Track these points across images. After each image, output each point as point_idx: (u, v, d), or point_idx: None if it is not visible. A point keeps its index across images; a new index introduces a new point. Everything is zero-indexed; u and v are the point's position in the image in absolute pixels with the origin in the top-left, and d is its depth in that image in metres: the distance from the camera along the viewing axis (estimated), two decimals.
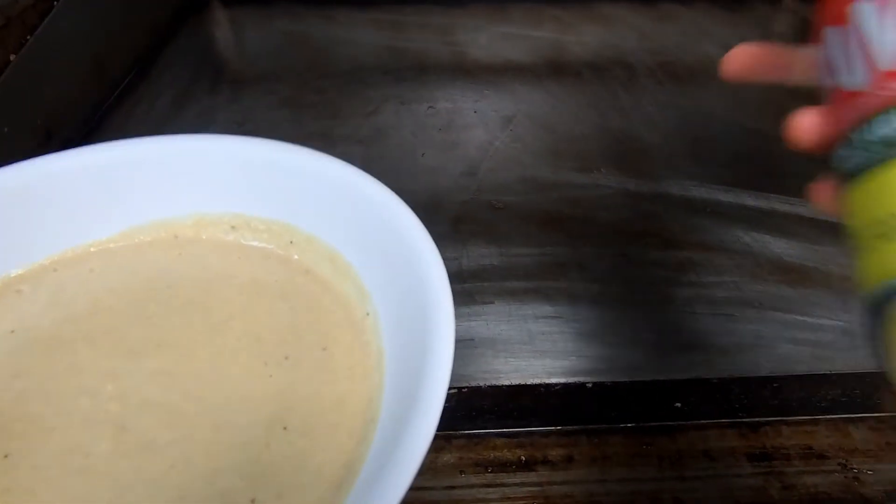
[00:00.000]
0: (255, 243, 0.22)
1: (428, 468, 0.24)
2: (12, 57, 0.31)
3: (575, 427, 0.25)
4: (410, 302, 0.17)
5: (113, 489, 0.16)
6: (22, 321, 0.20)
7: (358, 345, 0.19)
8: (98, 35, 0.41)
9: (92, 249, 0.21)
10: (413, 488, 0.23)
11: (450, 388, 0.24)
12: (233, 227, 0.22)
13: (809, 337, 0.26)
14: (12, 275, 0.20)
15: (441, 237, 0.31)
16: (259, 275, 0.21)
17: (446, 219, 0.32)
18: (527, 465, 0.24)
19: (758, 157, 0.39)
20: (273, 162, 0.21)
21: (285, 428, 0.17)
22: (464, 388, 0.24)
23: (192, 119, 0.40)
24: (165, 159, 0.22)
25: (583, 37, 0.52)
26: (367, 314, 0.19)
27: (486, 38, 0.52)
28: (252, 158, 0.21)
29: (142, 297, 0.20)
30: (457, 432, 0.25)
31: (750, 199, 0.34)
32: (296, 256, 0.21)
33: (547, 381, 0.24)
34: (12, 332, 0.19)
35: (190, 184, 0.22)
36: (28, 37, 0.33)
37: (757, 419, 0.25)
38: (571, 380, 0.24)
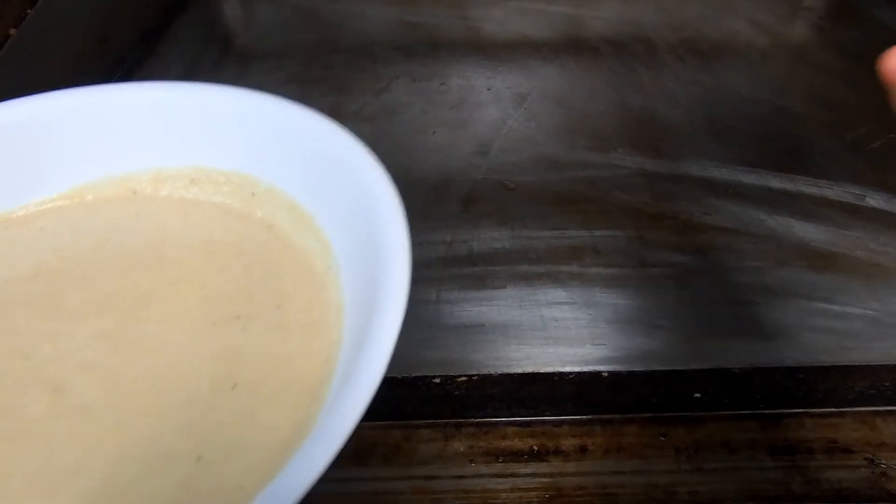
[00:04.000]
0: (215, 198, 0.21)
1: (436, 456, 0.23)
2: (12, 31, 0.31)
3: (588, 416, 0.24)
4: (368, 250, 0.17)
5: (45, 453, 0.15)
6: None
7: (317, 301, 0.18)
8: (102, 9, 0.40)
9: (45, 206, 0.21)
10: (421, 477, 0.23)
11: (459, 375, 0.23)
12: (192, 181, 0.21)
13: (836, 325, 0.25)
14: None
15: (451, 218, 0.31)
16: (216, 234, 0.20)
17: (457, 199, 0.31)
18: (538, 456, 0.23)
19: (783, 137, 0.37)
20: (232, 109, 0.20)
21: (234, 387, 0.16)
22: (474, 375, 0.23)
23: None
24: (123, 110, 0.21)
25: (601, 11, 0.50)
26: (329, 267, 0.19)
27: (501, 13, 0.50)
28: (211, 106, 0.20)
29: (88, 258, 0.20)
30: (466, 420, 0.24)
31: (774, 181, 0.33)
32: (258, 212, 0.20)
33: (561, 369, 0.23)
34: None
35: (146, 136, 0.21)
36: (28, 10, 0.32)
37: (779, 411, 0.24)
38: (586, 368, 0.23)
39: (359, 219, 0.17)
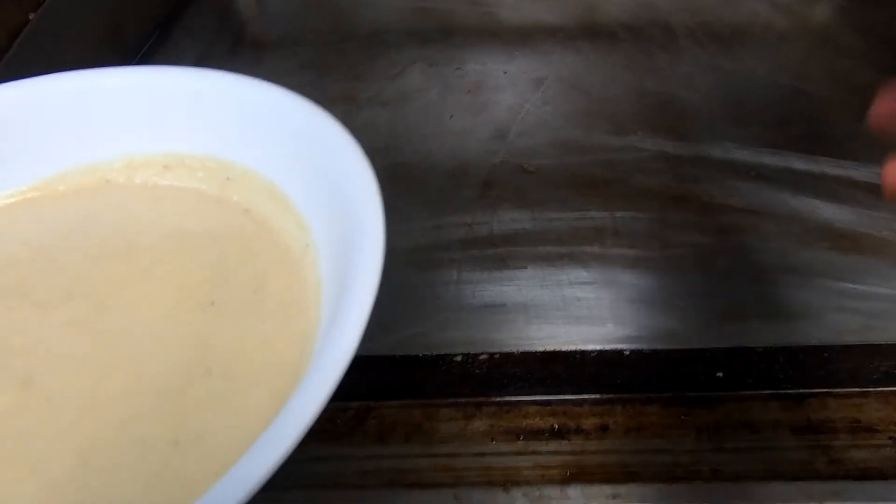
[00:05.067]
0: (190, 184, 0.20)
1: (458, 435, 0.23)
2: (31, 15, 0.31)
3: (609, 396, 0.24)
4: (344, 227, 0.17)
5: (15, 442, 0.15)
6: None
7: (295, 281, 0.18)
8: None
9: (12, 200, 0.20)
10: (443, 455, 0.23)
11: (480, 353, 0.23)
12: (166, 167, 0.21)
13: (860, 306, 0.24)
14: None
15: (470, 201, 0.31)
16: (190, 220, 0.20)
17: (476, 183, 0.31)
18: (560, 434, 0.23)
19: (805, 120, 0.36)
20: (203, 92, 0.20)
21: (209, 372, 0.16)
22: (495, 353, 0.23)
23: None
24: (92, 96, 0.20)
25: None
26: (307, 245, 0.18)
27: None
28: (182, 90, 0.20)
29: (59, 248, 0.19)
30: (487, 399, 0.24)
31: (797, 163, 0.32)
32: (234, 196, 0.20)
33: (583, 347, 0.23)
34: None
35: (120, 123, 0.20)
36: None
37: (802, 391, 0.23)
38: (608, 347, 0.23)
39: (335, 197, 0.17)
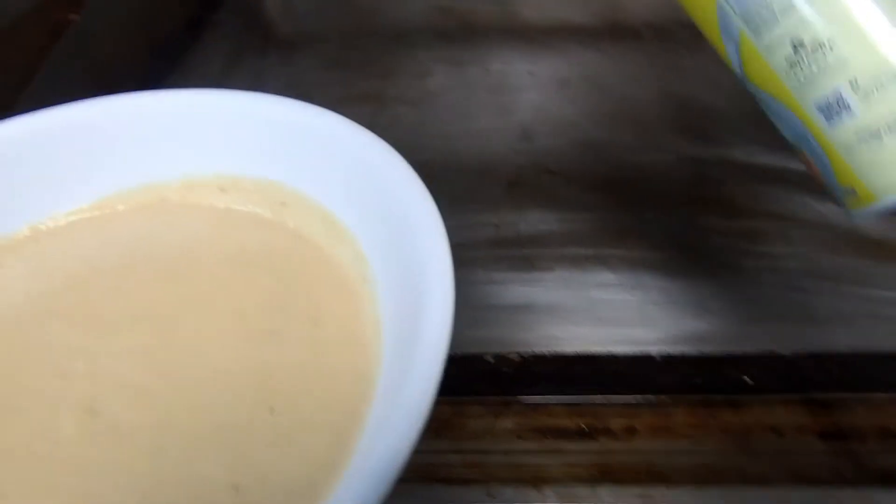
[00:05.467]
0: (245, 207, 0.20)
1: (487, 432, 0.23)
2: (73, 16, 0.32)
3: (637, 397, 0.24)
4: (408, 264, 0.16)
5: (79, 477, 0.15)
6: (0, 296, 0.18)
7: (353, 314, 0.17)
8: None
9: (75, 218, 0.20)
10: (472, 451, 0.23)
11: (508, 353, 0.24)
12: (221, 189, 0.20)
13: (891, 312, 0.24)
14: None
15: (496, 201, 0.31)
16: (248, 244, 0.20)
17: (501, 183, 0.31)
18: (587, 435, 0.23)
19: None
20: (262, 117, 0.20)
21: (271, 409, 0.16)
22: (525, 354, 0.23)
23: (242, 82, 0.40)
24: (150, 118, 0.20)
25: None
26: (365, 280, 0.18)
27: None
28: (240, 114, 0.20)
29: (121, 268, 0.19)
30: (515, 398, 0.24)
31: None
32: (289, 222, 0.20)
33: (611, 349, 0.23)
34: None
35: (177, 143, 0.20)
36: None
37: (830, 396, 0.23)
38: (637, 350, 0.23)
39: (395, 231, 0.17)
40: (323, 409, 0.16)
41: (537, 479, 0.22)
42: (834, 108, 0.16)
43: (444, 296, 0.15)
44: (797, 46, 0.16)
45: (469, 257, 0.27)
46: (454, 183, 0.32)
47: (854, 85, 0.15)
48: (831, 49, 0.15)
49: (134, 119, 0.20)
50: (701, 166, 0.32)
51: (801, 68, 0.16)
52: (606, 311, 0.24)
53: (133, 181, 0.21)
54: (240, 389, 0.16)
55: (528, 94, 0.38)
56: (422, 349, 0.14)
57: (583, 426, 0.23)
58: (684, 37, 0.44)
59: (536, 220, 0.29)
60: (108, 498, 0.14)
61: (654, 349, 0.23)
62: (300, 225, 0.20)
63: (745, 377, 0.24)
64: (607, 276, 0.26)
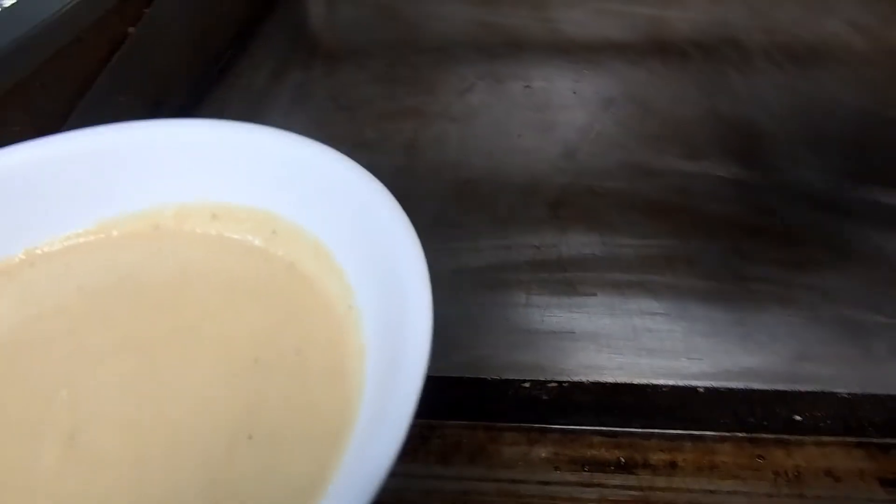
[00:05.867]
0: (237, 236, 0.20)
1: (521, 460, 0.23)
2: (130, 29, 0.33)
3: (679, 431, 0.23)
4: (389, 294, 0.16)
5: None
6: None
7: (338, 343, 0.18)
8: (203, 8, 0.42)
9: (70, 242, 0.20)
10: (506, 480, 0.23)
11: (549, 381, 0.23)
12: (214, 216, 0.21)
13: None
14: None
15: (539, 222, 0.31)
16: (237, 272, 0.20)
17: (544, 203, 0.31)
18: (626, 468, 0.22)
19: (890, 149, 0.35)
20: (252, 147, 0.20)
21: (250, 437, 0.16)
22: (565, 381, 0.23)
23: (287, 93, 0.41)
24: (147, 147, 0.21)
25: (689, 12, 0.48)
26: (350, 308, 0.18)
27: (582, 14, 0.49)
28: (231, 144, 0.20)
29: (111, 296, 0.19)
30: (551, 426, 0.24)
31: (882, 196, 0.31)
32: (279, 251, 0.20)
33: (654, 381, 0.22)
34: None
35: (170, 172, 0.21)
36: (145, 10, 0.34)
37: (890, 440, 0.22)
38: (681, 382, 0.22)
39: (379, 261, 0.17)
40: (304, 439, 0.16)
41: None
42: None
43: (422, 326, 0.15)
44: None
45: (509, 280, 0.27)
46: (496, 202, 0.31)
47: None
48: None
49: (132, 148, 0.21)
50: (751, 191, 0.31)
51: None
52: (650, 341, 0.24)
53: (129, 208, 0.21)
54: (221, 420, 0.16)
55: (571, 112, 0.38)
56: (400, 381, 0.14)
57: (621, 458, 0.23)
58: (733, 56, 0.43)
59: (579, 243, 0.28)
60: None
61: (698, 382, 0.22)
62: (290, 253, 0.20)
63: (796, 416, 0.23)
64: (651, 304, 0.25)
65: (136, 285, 0.20)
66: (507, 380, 0.23)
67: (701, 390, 0.22)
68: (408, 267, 0.16)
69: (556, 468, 0.23)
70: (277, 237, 0.20)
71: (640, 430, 0.23)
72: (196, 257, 0.20)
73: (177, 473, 0.15)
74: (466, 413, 0.24)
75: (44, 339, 0.18)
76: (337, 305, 0.18)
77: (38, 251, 0.20)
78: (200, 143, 0.21)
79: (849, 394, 0.22)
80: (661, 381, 0.22)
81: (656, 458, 0.23)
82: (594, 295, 0.26)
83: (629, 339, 0.24)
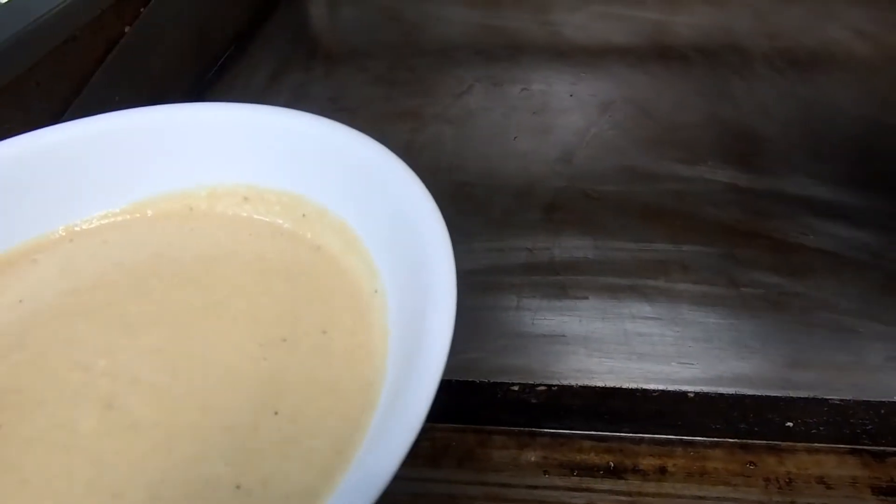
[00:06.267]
0: (267, 217, 0.21)
1: (510, 464, 0.23)
2: (127, 28, 0.33)
3: (669, 436, 0.23)
4: (415, 278, 0.17)
5: (95, 468, 0.15)
6: (31, 291, 0.19)
7: (362, 326, 0.18)
8: (202, 8, 0.42)
9: (107, 221, 0.21)
10: (495, 484, 0.23)
11: (538, 384, 0.23)
12: (245, 199, 0.21)
13: None
14: (30, 243, 0.20)
15: (533, 225, 0.30)
16: (267, 252, 0.20)
17: (539, 206, 0.31)
18: (615, 472, 0.22)
19: (890, 156, 0.35)
20: (285, 130, 0.20)
21: (276, 413, 0.16)
22: (554, 385, 0.22)
23: (286, 94, 0.41)
24: (179, 129, 0.21)
25: (691, 17, 0.48)
26: (376, 291, 0.18)
27: (584, 18, 0.49)
28: (264, 127, 0.21)
29: (146, 271, 0.20)
30: (541, 430, 0.24)
31: (879, 202, 0.31)
32: (308, 234, 0.20)
33: (644, 386, 0.22)
34: (20, 301, 0.19)
35: (204, 153, 0.21)
36: (142, 9, 0.34)
37: (884, 448, 0.22)
38: (671, 387, 0.22)
39: (406, 246, 0.17)
40: (327, 416, 0.16)
41: None
42: None
43: (446, 314, 0.15)
44: None
45: (501, 282, 0.26)
46: (491, 204, 0.31)
47: None
48: None
49: (168, 129, 0.21)
50: (748, 197, 0.31)
51: None
52: (641, 345, 0.24)
53: (163, 188, 0.22)
54: (248, 392, 0.17)
55: (569, 115, 0.38)
56: (422, 362, 0.14)
57: (611, 463, 0.23)
58: (733, 61, 0.43)
59: (572, 247, 0.28)
60: (121, 489, 0.15)
61: (690, 388, 0.22)
62: (317, 236, 0.21)
63: (788, 423, 0.22)
64: (644, 309, 0.25)
65: (170, 262, 0.20)
66: (496, 383, 0.23)
67: (692, 395, 0.22)
68: (434, 253, 0.16)
69: (546, 472, 0.22)
70: (306, 220, 0.21)
71: (630, 434, 0.23)
72: (227, 237, 0.21)
73: (205, 440, 0.16)
74: (456, 416, 0.24)
75: (85, 310, 0.19)
76: (363, 288, 0.19)
77: (77, 228, 0.21)
78: (235, 125, 0.21)
79: (841, 400, 0.22)
80: (652, 386, 0.22)
81: (646, 463, 0.23)
82: (586, 298, 0.25)
83: (620, 343, 0.24)
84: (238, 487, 0.15)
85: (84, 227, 0.21)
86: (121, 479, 0.15)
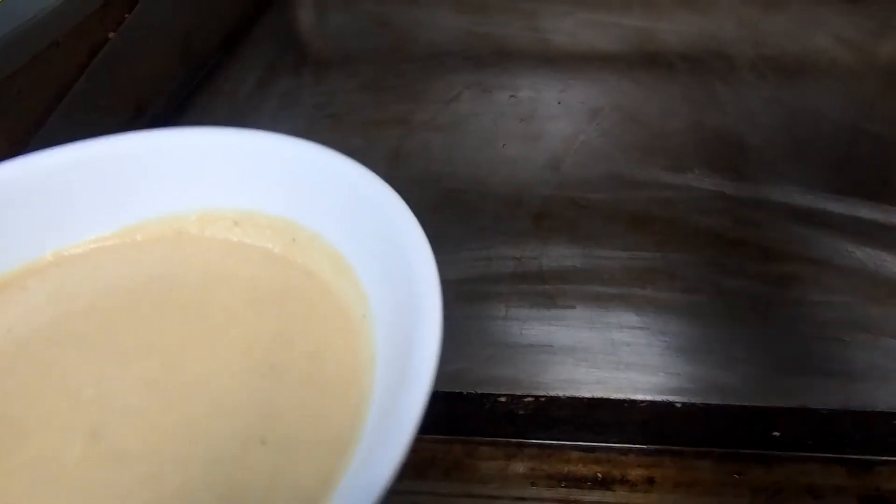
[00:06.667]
0: (257, 242, 0.21)
1: (497, 476, 0.23)
2: (111, 34, 0.32)
3: (657, 447, 0.23)
4: (402, 305, 0.17)
5: (80, 500, 0.15)
6: (21, 319, 0.19)
7: (352, 351, 0.18)
8: (188, 13, 0.42)
9: (96, 245, 0.21)
10: (482, 496, 0.22)
11: (526, 395, 0.23)
12: (236, 223, 0.21)
13: None
14: (19, 270, 0.20)
15: (521, 233, 0.30)
16: (258, 278, 0.20)
17: (527, 214, 0.31)
18: (603, 484, 0.22)
19: (873, 165, 0.35)
20: (276, 155, 0.21)
21: (263, 443, 0.16)
22: (541, 396, 0.22)
23: (275, 100, 0.41)
24: (170, 153, 0.21)
25: (677, 24, 0.49)
26: (364, 316, 0.18)
27: (572, 25, 0.49)
28: (255, 151, 0.21)
29: (139, 297, 0.20)
30: (529, 441, 0.23)
31: (864, 211, 0.31)
32: (298, 258, 0.20)
33: (632, 396, 0.22)
34: (9, 330, 0.19)
35: (195, 178, 0.21)
36: (126, 15, 0.34)
37: (870, 457, 0.22)
38: (658, 398, 0.22)
39: (394, 271, 0.17)
40: (315, 445, 0.16)
41: None
42: None
43: (432, 338, 0.15)
44: None
45: (489, 292, 0.26)
46: (480, 212, 0.31)
47: None
48: None
49: (158, 154, 0.21)
50: (735, 205, 0.31)
51: None
52: (629, 356, 0.24)
53: (153, 212, 0.22)
54: (237, 422, 0.17)
55: (557, 122, 0.38)
56: (408, 389, 0.14)
57: (599, 474, 0.22)
58: (720, 69, 0.43)
59: (560, 255, 0.28)
60: None
61: (677, 398, 0.22)
62: (309, 261, 0.20)
63: (775, 432, 0.22)
64: (632, 318, 0.25)
65: (160, 288, 0.20)
66: (483, 394, 0.22)
67: (679, 406, 0.22)
68: (421, 279, 0.16)
69: (533, 484, 0.22)
70: (297, 245, 0.21)
71: (618, 445, 0.23)
72: (217, 262, 0.21)
73: (192, 472, 0.16)
74: (442, 427, 0.24)
75: (73, 337, 0.19)
76: (352, 312, 0.19)
77: (66, 253, 0.21)
78: (224, 150, 0.21)
79: (828, 410, 0.22)
80: (639, 397, 0.22)
81: (634, 473, 0.22)
82: (573, 308, 0.25)
83: (608, 353, 0.24)
84: None
85: (73, 251, 0.21)
86: None
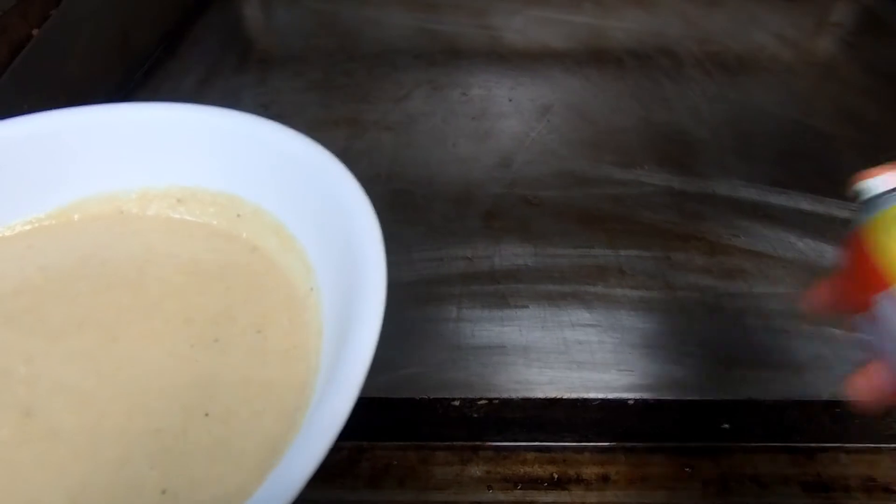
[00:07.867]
0: (202, 219, 0.21)
1: (453, 481, 0.22)
2: (35, 31, 0.30)
3: (611, 444, 0.23)
4: (347, 276, 0.16)
5: (10, 477, 0.15)
6: None
7: (297, 325, 0.18)
8: (125, 9, 0.40)
9: (32, 226, 0.21)
10: (437, 503, 0.22)
11: (479, 399, 0.23)
12: (179, 201, 0.21)
13: None
14: None
15: (472, 233, 0.30)
16: (201, 254, 0.20)
17: (478, 213, 0.30)
18: (559, 483, 0.22)
19: (812, 157, 0.36)
20: (217, 130, 0.20)
21: (207, 414, 0.16)
22: (494, 398, 0.22)
23: (217, 99, 0.39)
24: (110, 130, 0.21)
25: (625, 22, 0.49)
26: (311, 289, 0.18)
27: (522, 22, 0.49)
28: (197, 127, 0.20)
29: (72, 275, 0.19)
30: (484, 444, 0.23)
31: (805, 203, 0.32)
32: (244, 234, 0.20)
33: (585, 395, 0.22)
34: None
35: (135, 155, 0.21)
36: (52, 10, 0.32)
37: (812, 445, 0.23)
38: (611, 395, 0.22)
39: (340, 243, 0.17)
40: (260, 417, 0.16)
41: None
42: None
43: (375, 307, 0.15)
44: None
45: (441, 293, 0.26)
46: (431, 212, 0.31)
47: None
48: None
49: (94, 130, 0.20)
50: (682, 199, 0.32)
51: None
52: (581, 354, 0.23)
53: (91, 191, 0.21)
54: (178, 395, 0.17)
55: (508, 120, 0.38)
56: (348, 359, 0.14)
57: (554, 474, 0.22)
58: (666, 65, 0.44)
59: (512, 255, 0.28)
60: (38, 496, 0.15)
61: (629, 395, 0.22)
62: (254, 236, 0.20)
63: (724, 424, 0.23)
64: (583, 316, 0.25)
65: (99, 265, 0.20)
66: (436, 399, 0.22)
67: (631, 403, 0.22)
68: (365, 249, 0.16)
69: (489, 487, 0.22)
70: (242, 220, 0.20)
71: (572, 444, 0.23)
72: (160, 240, 0.21)
73: (130, 445, 0.16)
74: (396, 434, 0.23)
75: (5, 317, 0.18)
76: (298, 286, 0.19)
77: (1, 234, 0.20)
78: (165, 125, 0.20)
79: (772, 401, 0.22)
80: (592, 395, 0.22)
81: (589, 472, 0.22)
82: (526, 307, 0.25)
83: (560, 352, 0.24)
84: (164, 492, 0.15)
85: (7, 233, 0.20)
86: (38, 486, 0.15)
